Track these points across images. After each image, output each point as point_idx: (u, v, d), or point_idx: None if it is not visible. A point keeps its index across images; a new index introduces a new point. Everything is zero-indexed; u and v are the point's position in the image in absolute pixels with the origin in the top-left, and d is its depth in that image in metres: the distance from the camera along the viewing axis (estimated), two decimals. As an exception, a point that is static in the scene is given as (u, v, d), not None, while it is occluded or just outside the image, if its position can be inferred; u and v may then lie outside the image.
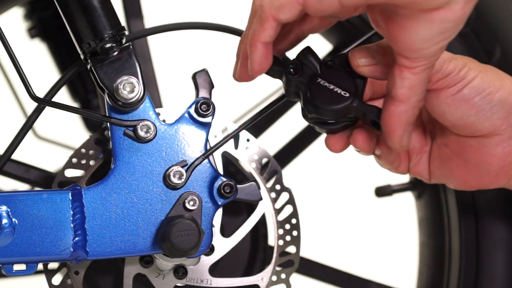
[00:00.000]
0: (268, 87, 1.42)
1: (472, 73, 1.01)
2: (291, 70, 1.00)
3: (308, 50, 1.01)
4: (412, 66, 0.94)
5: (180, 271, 1.07)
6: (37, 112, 1.03)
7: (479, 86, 1.01)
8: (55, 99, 1.02)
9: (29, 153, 1.47)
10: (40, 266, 1.02)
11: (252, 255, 1.14)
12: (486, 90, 1.01)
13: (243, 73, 0.99)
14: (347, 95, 0.99)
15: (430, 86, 1.00)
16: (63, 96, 1.56)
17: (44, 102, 1.01)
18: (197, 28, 1.10)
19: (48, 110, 1.03)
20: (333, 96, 0.99)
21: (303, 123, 1.27)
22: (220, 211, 1.06)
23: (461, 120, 1.02)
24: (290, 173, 1.24)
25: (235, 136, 1.06)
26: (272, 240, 1.11)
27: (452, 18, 0.90)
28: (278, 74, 1.01)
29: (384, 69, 0.99)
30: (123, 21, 1.03)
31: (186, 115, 1.04)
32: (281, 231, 1.09)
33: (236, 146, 1.09)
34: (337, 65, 1.01)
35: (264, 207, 1.09)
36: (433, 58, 0.93)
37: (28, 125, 1.03)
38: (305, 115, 1.02)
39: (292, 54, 1.04)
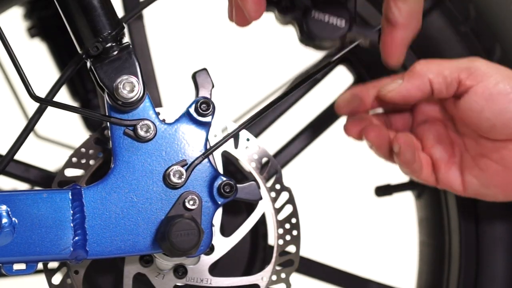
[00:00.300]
0: (268, 87, 1.42)
1: (502, 72, 1.02)
2: (284, 8, 1.00)
3: None
4: None
5: (180, 271, 1.07)
6: (39, 113, 1.03)
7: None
8: (56, 99, 1.02)
9: (29, 152, 1.46)
10: (40, 266, 1.02)
11: (252, 254, 1.14)
12: None
13: (239, 19, 1.00)
14: (344, 22, 1.00)
15: (463, 85, 1.01)
16: (63, 95, 1.56)
17: (44, 101, 1.01)
18: None
19: (48, 109, 1.03)
20: (330, 26, 1.00)
21: (303, 123, 1.27)
22: (220, 211, 1.06)
23: (500, 116, 1.01)
24: (290, 173, 1.24)
25: (235, 135, 1.06)
26: (272, 240, 1.11)
27: None
28: (270, 10, 1.02)
29: (404, 90, 1.03)
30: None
31: (186, 114, 1.04)
32: (281, 231, 1.09)
33: (236, 146, 1.09)
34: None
35: (264, 207, 1.09)
36: None
37: (30, 126, 1.03)
38: (302, 41, 1.02)
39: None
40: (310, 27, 1.00)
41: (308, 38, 1.01)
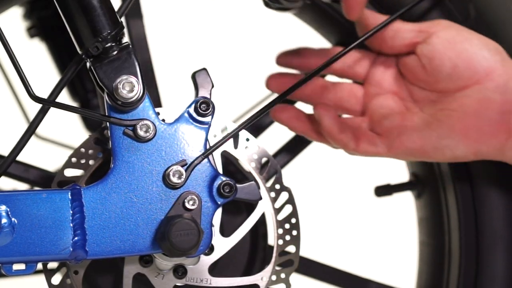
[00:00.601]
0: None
1: (467, 29, 1.09)
2: None
3: None
4: None
5: (179, 271, 1.07)
6: (42, 114, 1.03)
7: (475, 34, 1.08)
8: (56, 100, 1.02)
9: (28, 152, 1.46)
10: (39, 266, 1.02)
11: (252, 254, 1.14)
12: (482, 37, 1.08)
13: None
14: None
15: (428, 29, 1.08)
16: (62, 95, 1.55)
17: (44, 102, 1.01)
18: None
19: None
20: None
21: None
22: (219, 211, 1.06)
23: (462, 55, 1.06)
24: (289, 173, 1.24)
25: (234, 135, 1.06)
26: (271, 240, 1.11)
27: None
28: None
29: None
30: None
31: (186, 114, 1.04)
32: (280, 231, 1.09)
33: (235, 146, 1.09)
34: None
35: (264, 207, 1.09)
36: None
37: (33, 127, 1.03)
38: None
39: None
40: None
41: None
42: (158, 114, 1.03)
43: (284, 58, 1.19)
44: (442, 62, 1.08)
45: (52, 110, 1.03)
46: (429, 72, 1.10)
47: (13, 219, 0.98)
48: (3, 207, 0.98)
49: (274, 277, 1.09)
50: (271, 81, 1.18)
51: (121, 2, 1.29)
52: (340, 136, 1.12)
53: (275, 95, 1.18)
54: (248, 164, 1.09)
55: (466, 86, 1.08)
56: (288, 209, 1.09)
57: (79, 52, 1.00)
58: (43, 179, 1.20)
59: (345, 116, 1.17)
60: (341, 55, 1.08)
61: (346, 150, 1.13)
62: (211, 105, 1.04)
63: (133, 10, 1.31)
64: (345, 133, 1.12)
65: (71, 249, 0.99)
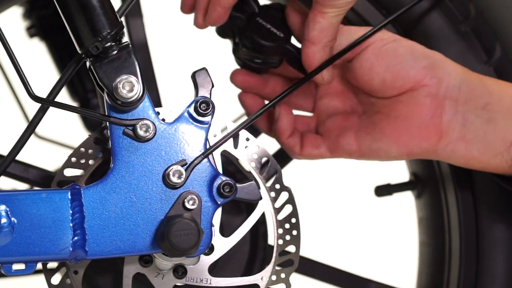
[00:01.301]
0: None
1: (396, 36, 1.11)
2: (234, 7, 1.10)
3: None
4: (324, 11, 1.05)
5: (179, 271, 1.06)
6: (41, 113, 1.03)
7: (402, 42, 1.10)
8: (56, 99, 1.02)
9: (28, 152, 1.46)
10: (39, 266, 1.01)
11: (252, 254, 1.14)
12: (409, 45, 1.10)
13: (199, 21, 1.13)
14: (282, 35, 1.11)
15: (356, 51, 1.10)
16: (62, 95, 1.55)
17: (44, 101, 1.01)
18: None
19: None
20: (270, 34, 1.11)
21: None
22: (219, 211, 1.06)
23: (388, 70, 1.09)
24: (289, 173, 1.24)
25: (234, 135, 1.06)
26: (271, 240, 1.11)
27: None
28: None
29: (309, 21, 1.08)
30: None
31: (186, 114, 1.03)
32: (280, 231, 1.09)
33: (235, 145, 1.08)
34: (273, 10, 1.12)
35: (264, 207, 1.09)
36: (344, 8, 1.05)
37: (32, 126, 1.03)
38: (235, 51, 1.13)
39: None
40: (251, 28, 1.11)
41: (246, 40, 1.11)
42: (158, 113, 1.03)
43: (242, 78, 1.20)
44: (371, 77, 1.10)
45: (52, 110, 1.03)
46: (362, 83, 1.12)
47: (12, 219, 0.98)
48: (3, 207, 0.98)
49: (274, 277, 1.09)
50: (236, 77, 1.20)
51: (121, 2, 1.29)
52: (288, 140, 1.16)
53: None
54: (248, 164, 1.09)
55: (399, 93, 1.10)
56: (288, 209, 1.09)
57: (79, 51, 1.00)
58: (43, 179, 1.19)
59: (296, 113, 1.20)
60: (334, 60, 1.10)
61: (290, 154, 1.18)
62: (211, 105, 1.04)
63: (133, 9, 1.31)
64: (293, 137, 1.16)
65: (71, 249, 0.99)
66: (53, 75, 1.51)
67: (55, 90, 1.02)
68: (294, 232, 1.09)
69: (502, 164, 1.07)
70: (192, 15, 1.15)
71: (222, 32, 1.15)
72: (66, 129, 1.89)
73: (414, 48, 1.10)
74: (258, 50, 1.12)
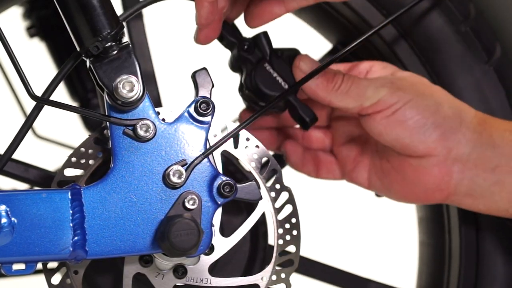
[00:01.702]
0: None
1: (407, 97, 1.06)
2: (245, 46, 1.10)
3: (265, 35, 1.11)
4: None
5: (179, 271, 1.06)
6: (36, 110, 1.03)
7: (412, 111, 1.06)
8: (55, 99, 1.02)
9: (28, 152, 1.46)
10: (39, 266, 1.01)
11: (252, 254, 1.14)
12: (419, 115, 1.06)
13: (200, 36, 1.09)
14: (286, 86, 1.10)
15: (365, 111, 1.07)
16: (62, 95, 1.55)
17: (44, 101, 1.01)
18: None
19: (47, 109, 1.03)
20: (274, 82, 1.10)
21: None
22: (219, 211, 1.06)
23: (397, 141, 1.07)
24: (290, 172, 1.24)
25: (234, 135, 1.06)
26: (272, 240, 1.11)
27: None
28: (230, 45, 1.11)
29: (313, 87, 1.08)
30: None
31: (186, 114, 1.03)
32: (281, 231, 1.09)
33: (235, 145, 1.08)
34: (285, 57, 1.10)
35: (264, 207, 1.09)
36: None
37: (28, 124, 1.03)
38: (241, 90, 1.12)
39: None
40: (257, 73, 1.10)
41: (250, 83, 1.10)
42: (158, 113, 1.03)
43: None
44: (380, 139, 1.09)
45: (52, 110, 1.03)
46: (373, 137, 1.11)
47: (13, 218, 0.98)
48: (3, 207, 0.98)
49: (274, 277, 1.09)
50: (243, 118, 1.18)
51: (121, 2, 1.29)
52: (302, 169, 1.20)
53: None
54: (248, 163, 1.09)
55: (408, 156, 1.09)
56: (288, 209, 1.09)
57: (79, 51, 1.00)
58: (43, 179, 1.19)
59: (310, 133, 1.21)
60: (325, 67, 1.10)
61: (308, 176, 1.21)
62: (211, 105, 1.04)
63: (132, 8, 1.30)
64: (306, 166, 1.19)
65: (71, 249, 0.99)
66: (53, 75, 1.51)
67: (52, 87, 1.02)
68: (294, 232, 1.09)
69: (507, 216, 1.11)
70: (191, 11, 1.14)
71: (233, 66, 1.14)
72: (66, 129, 1.89)
73: (424, 117, 1.07)
74: (260, 97, 1.11)
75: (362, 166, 1.16)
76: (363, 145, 1.16)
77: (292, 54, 1.11)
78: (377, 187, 1.14)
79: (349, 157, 1.17)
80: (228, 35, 1.10)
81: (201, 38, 1.09)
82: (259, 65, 1.10)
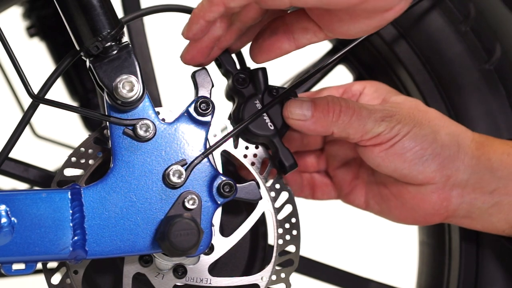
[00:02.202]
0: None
1: (405, 130, 1.06)
2: (239, 79, 1.07)
3: (262, 71, 1.07)
4: None
5: (179, 271, 1.06)
6: (32, 109, 1.03)
7: (411, 143, 1.06)
8: (56, 99, 1.02)
9: (28, 152, 1.46)
10: (39, 265, 1.01)
11: (252, 254, 1.14)
12: (417, 146, 1.06)
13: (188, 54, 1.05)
14: (272, 128, 1.06)
15: (364, 143, 1.06)
16: (62, 95, 1.55)
17: (44, 101, 1.00)
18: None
19: (47, 109, 1.03)
20: (261, 122, 1.06)
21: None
22: (219, 210, 1.06)
23: (395, 173, 1.07)
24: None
25: (234, 135, 1.06)
26: (271, 239, 1.11)
27: (392, 17, 0.96)
28: (226, 74, 1.08)
29: (312, 126, 1.05)
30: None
31: (186, 114, 1.03)
32: (280, 230, 1.09)
33: (235, 145, 1.08)
34: (279, 97, 1.07)
35: (264, 206, 1.09)
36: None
37: (24, 122, 1.03)
38: (230, 118, 1.08)
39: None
40: (246, 108, 1.06)
41: (237, 117, 1.07)
42: (158, 113, 1.03)
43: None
44: (379, 170, 1.08)
45: (52, 110, 1.03)
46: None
47: (12, 218, 0.98)
48: (3, 207, 0.98)
49: (274, 277, 1.09)
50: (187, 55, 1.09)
51: (121, 3, 1.29)
52: (300, 194, 1.19)
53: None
54: (248, 163, 1.09)
55: (406, 183, 1.09)
56: (288, 208, 1.09)
57: (79, 50, 1.00)
58: (42, 179, 1.19)
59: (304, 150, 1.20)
60: (326, 66, 1.10)
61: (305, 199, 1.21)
62: (211, 105, 1.04)
63: (133, 8, 1.31)
64: (304, 192, 1.19)
65: (71, 249, 0.99)
66: (53, 75, 1.51)
67: (48, 84, 1.02)
68: (294, 232, 1.09)
69: (504, 235, 1.12)
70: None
71: (227, 94, 1.11)
72: (66, 129, 1.89)
73: (422, 148, 1.06)
74: (244, 131, 1.07)
75: (358, 190, 1.16)
76: (358, 168, 1.16)
77: (286, 95, 1.07)
78: (375, 210, 1.15)
79: (345, 180, 1.17)
80: (226, 64, 1.07)
81: (187, 57, 1.04)
82: (250, 100, 1.07)
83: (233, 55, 1.09)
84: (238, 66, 1.08)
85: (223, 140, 1.04)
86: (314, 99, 1.06)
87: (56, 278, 1.06)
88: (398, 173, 1.07)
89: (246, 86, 1.07)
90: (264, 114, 1.06)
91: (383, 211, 1.14)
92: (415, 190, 1.08)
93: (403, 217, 1.12)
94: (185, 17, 1.09)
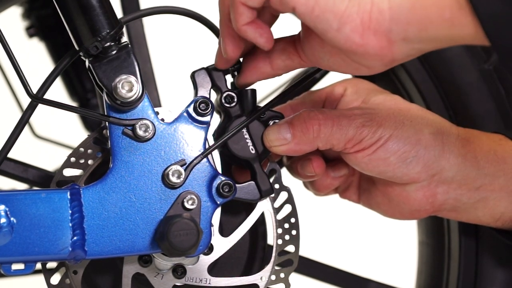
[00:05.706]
0: (267, 87, 1.42)
1: (387, 133, 1.05)
2: (228, 97, 1.05)
3: (252, 92, 1.06)
4: None
5: (179, 271, 1.06)
6: (31, 109, 1.03)
7: (394, 146, 1.06)
8: (55, 99, 1.02)
9: (27, 152, 1.46)
10: (38, 266, 1.01)
11: (251, 254, 1.14)
12: (401, 149, 1.06)
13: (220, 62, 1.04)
14: (253, 152, 1.05)
15: (348, 150, 1.06)
16: (62, 95, 1.55)
17: (43, 101, 1.01)
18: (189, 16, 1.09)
19: (46, 109, 1.03)
20: (243, 144, 1.05)
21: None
22: (219, 210, 1.06)
23: (380, 175, 1.07)
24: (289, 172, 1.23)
25: (234, 135, 1.06)
26: (271, 239, 1.11)
27: (366, 73, 0.97)
28: (216, 90, 1.06)
29: (296, 147, 1.05)
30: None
31: (185, 114, 1.03)
32: (280, 230, 1.09)
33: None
34: (266, 119, 1.06)
35: (263, 206, 1.09)
36: None
37: (23, 122, 1.03)
38: (214, 134, 1.06)
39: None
40: (232, 128, 1.04)
41: (220, 135, 1.05)
42: (157, 113, 1.03)
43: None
44: (364, 172, 1.09)
45: (51, 110, 1.03)
46: None
47: (12, 218, 0.98)
48: (2, 207, 0.98)
49: (273, 277, 1.09)
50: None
51: (121, 3, 1.29)
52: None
53: (274, 95, 1.18)
54: (247, 163, 1.09)
55: (392, 182, 1.09)
56: (287, 208, 1.09)
57: (78, 51, 1.00)
58: (42, 179, 1.19)
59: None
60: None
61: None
62: (210, 105, 1.04)
63: (132, 8, 1.31)
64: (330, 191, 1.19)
65: (70, 249, 0.99)
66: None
67: (47, 84, 1.02)
68: (294, 232, 1.09)
69: (489, 226, 1.13)
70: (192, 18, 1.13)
71: (216, 110, 1.08)
72: (66, 129, 1.89)
73: (406, 151, 1.06)
74: (227, 151, 1.06)
75: (353, 186, 1.17)
76: (349, 168, 1.16)
77: (272, 117, 1.07)
78: (367, 205, 1.16)
79: (341, 179, 1.16)
80: (216, 80, 1.05)
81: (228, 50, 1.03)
82: (235, 121, 1.05)
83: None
84: (229, 85, 1.07)
85: (223, 140, 1.04)
86: (290, 119, 1.05)
87: (55, 278, 1.06)
88: (383, 175, 1.07)
89: (234, 106, 1.06)
90: (247, 137, 1.06)
91: (373, 206, 1.15)
92: (400, 189, 1.09)
93: (391, 213, 1.12)
94: (184, 18, 1.09)
